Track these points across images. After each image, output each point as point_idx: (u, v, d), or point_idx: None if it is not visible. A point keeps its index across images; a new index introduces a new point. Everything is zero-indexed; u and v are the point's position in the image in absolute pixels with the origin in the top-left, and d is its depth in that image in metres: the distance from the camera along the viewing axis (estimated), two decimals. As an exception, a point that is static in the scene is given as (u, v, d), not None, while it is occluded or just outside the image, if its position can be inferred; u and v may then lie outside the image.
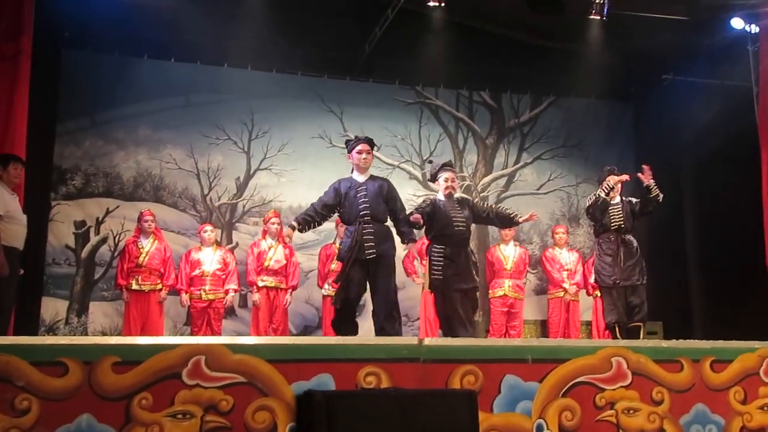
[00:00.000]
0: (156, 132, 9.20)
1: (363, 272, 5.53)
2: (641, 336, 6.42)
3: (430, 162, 6.47)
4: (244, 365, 3.51)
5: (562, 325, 8.67)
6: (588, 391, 4.04)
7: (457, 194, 6.14)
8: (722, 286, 9.24)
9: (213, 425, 3.42)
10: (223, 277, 7.82)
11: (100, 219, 8.85)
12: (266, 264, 7.74)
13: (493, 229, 9.59)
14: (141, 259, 7.59)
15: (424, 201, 6.03)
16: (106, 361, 3.32)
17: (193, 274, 7.74)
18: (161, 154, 9.17)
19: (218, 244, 8.33)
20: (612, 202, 6.63)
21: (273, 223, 7.90)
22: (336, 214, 5.95)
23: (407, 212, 5.76)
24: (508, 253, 8.59)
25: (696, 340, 4.82)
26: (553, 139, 10.57)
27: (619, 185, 6.68)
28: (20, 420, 3.18)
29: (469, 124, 10.37)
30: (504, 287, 8.49)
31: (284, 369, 3.56)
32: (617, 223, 6.58)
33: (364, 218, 5.55)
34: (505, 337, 8.26)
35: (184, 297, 7.74)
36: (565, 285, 8.69)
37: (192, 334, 7.69)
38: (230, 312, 8.67)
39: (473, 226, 6.19)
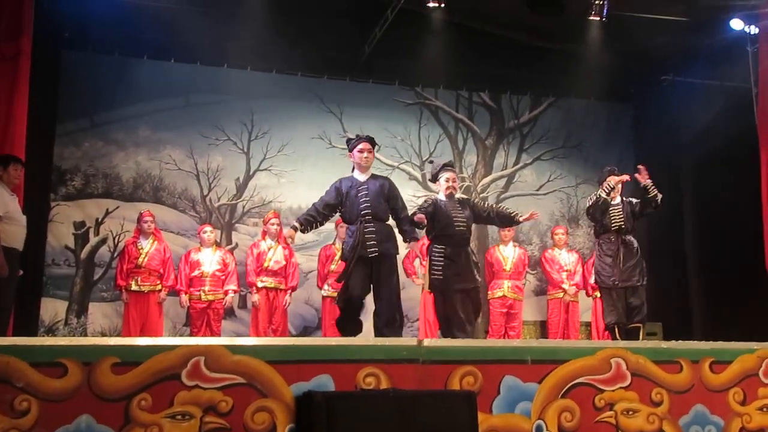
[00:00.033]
0: (156, 133, 9.20)
1: (366, 271, 5.51)
2: (641, 337, 6.42)
3: (431, 162, 6.46)
4: (244, 366, 3.51)
5: (562, 325, 8.66)
6: (587, 392, 4.04)
7: (458, 194, 6.15)
8: (722, 286, 9.24)
9: (212, 426, 3.42)
10: (223, 277, 7.82)
11: (99, 220, 8.85)
12: (266, 265, 7.73)
13: (492, 230, 9.59)
14: (140, 259, 7.59)
15: (425, 201, 6.03)
16: (106, 362, 3.32)
17: (193, 274, 7.74)
18: (161, 155, 9.17)
19: (218, 244, 8.33)
20: (612, 202, 6.62)
21: (272, 224, 7.90)
22: (337, 214, 5.95)
23: (408, 212, 5.76)
24: (508, 253, 8.59)
25: (695, 341, 4.81)
26: (553, 140, 10.57)
27: (620, 186, 6.68)
28: (20, 421, 3.18)
29: (469, 125, 10.37)
30: (503, 288, 8.49)
31: (284, 370, 3.56)
32: (618, 224, 6.57)
33: (365, 217, 5.53)
34: (504, 337, 8.26)
35: (184, 298, 7.74)
36: (565, 286, 8.68)
37: (191, 334, 7.68)
38: (230, 313, 8.67)
39: (473, 226, 6.19)
